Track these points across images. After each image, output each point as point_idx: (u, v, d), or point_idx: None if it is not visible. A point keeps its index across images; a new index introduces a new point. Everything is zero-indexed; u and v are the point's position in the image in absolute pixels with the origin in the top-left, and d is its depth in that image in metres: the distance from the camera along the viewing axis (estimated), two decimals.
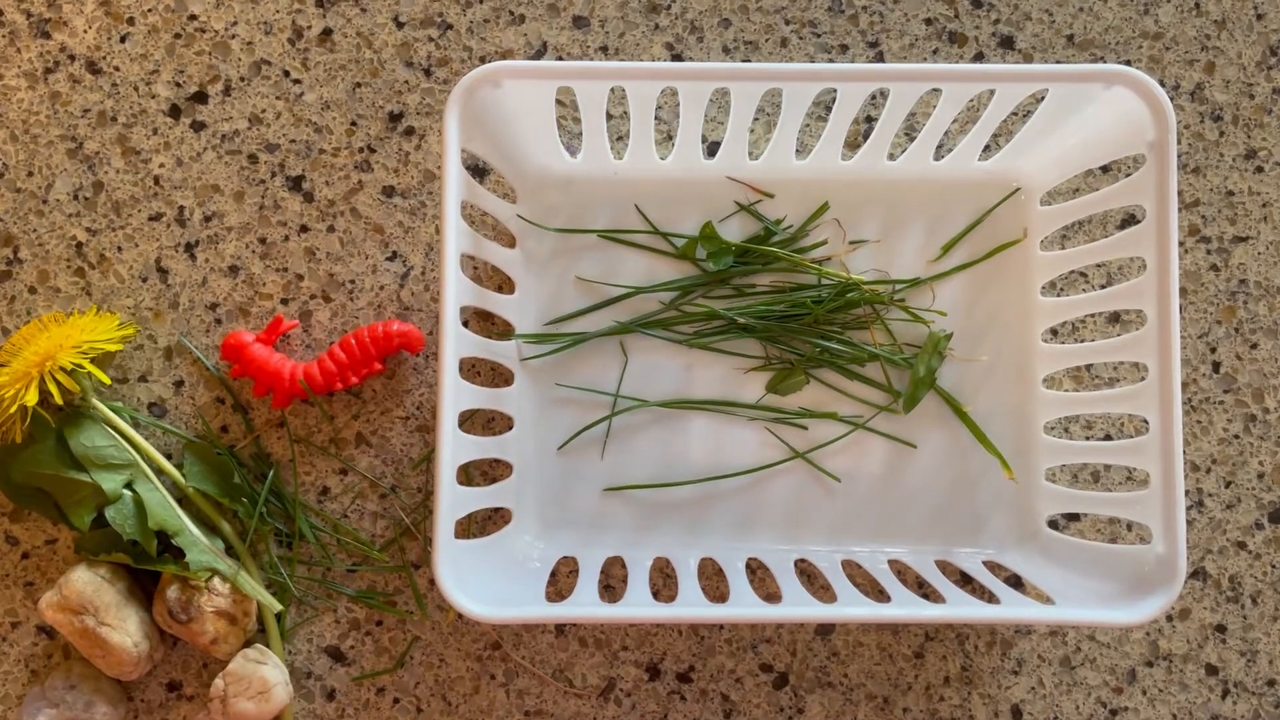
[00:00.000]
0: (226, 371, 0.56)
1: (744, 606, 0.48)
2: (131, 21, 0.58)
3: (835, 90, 0.47)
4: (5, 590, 0.56)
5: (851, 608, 0.47)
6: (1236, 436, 0.57)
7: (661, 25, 0.58)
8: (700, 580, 0.50)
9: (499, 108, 0.47)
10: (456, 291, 0.47)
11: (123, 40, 0.58)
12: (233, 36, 0.58)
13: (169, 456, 0.55)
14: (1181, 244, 0.57)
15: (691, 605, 0.47)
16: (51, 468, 0.53)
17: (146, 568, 0.53)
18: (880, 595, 0.51)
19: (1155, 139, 0.44)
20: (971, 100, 0.48)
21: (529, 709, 0.55)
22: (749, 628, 0.56)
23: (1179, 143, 0.57)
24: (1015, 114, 0.53)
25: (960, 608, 0.47)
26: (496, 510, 0.55)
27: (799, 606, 0.47)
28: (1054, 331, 0.56)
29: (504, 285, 0.56)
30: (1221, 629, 0.56)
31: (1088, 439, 0.56)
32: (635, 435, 0.55)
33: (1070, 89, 0.45)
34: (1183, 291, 0.57)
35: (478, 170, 0.56)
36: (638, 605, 0.47)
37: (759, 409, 0.55)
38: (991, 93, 0.48)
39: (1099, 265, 0.57)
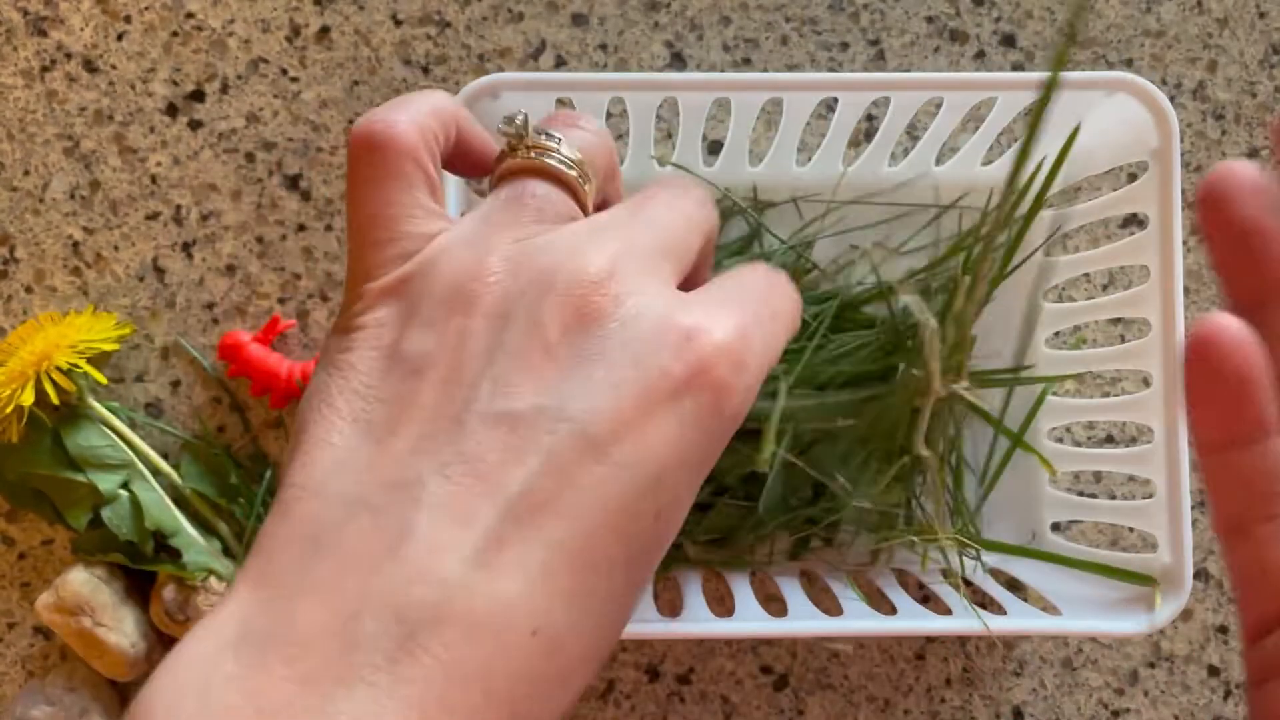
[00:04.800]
0: (223, 371, 0.56)
1: (746, 620, 0.47)
2: (128, 20, 0.57)
3: (836, 95, 0.47)
4: (2, 591, 0.56)
5: (856, 621, 0.47)
6: None
7: (661, 23, 0.57)
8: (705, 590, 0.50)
9: (498, 115, 0.47)
10: None
11: (119, 38, 0.57)
12: (230, 34, 0.57)
13: (166, 456, 0.55)
14: (1184, 243, 0.57)
15: (695, 620, 0.47)
16: (48, 468, 0.52)
17: (143, 568, 0.53)
18: (881, 598, 0.51)
19: (1158, 146, 0.44)
20: (975, 105, 0.48)
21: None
22: None
23: (1181, 142, 0.57)
24: (1019, 120, 0.53)
25: (966, 620, 0.47)
26: None
27: (803, 620, 0.47)
28: (1056, 334, 0.56)
29: None
30: (1224, 630, 0.56)
31: (1089, 438, 0.56)
32: None
33: (1073, 95, 0.45)
34: (1185, 291, 0.57)
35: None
36: (649, 622, 0.47)
37: None
38: (995, 99, 0.47)
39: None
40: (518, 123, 0.32)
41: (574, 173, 0.31)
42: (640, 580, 0.27)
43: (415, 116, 0.31)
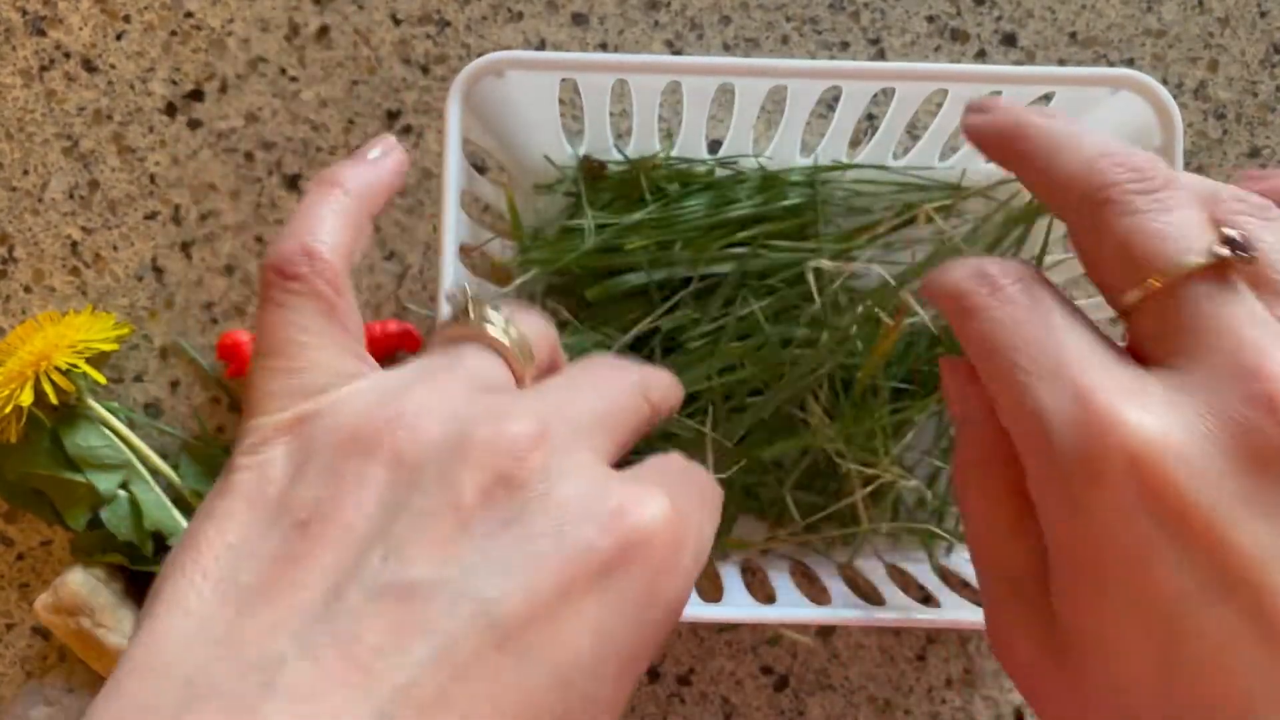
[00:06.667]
0: (223, 371, 0.56)
1: (739, 607, 0.47)
2: (128, 19, 0.57)
3: (839, 88, 0.47)
4: (0, 592, 0.56)
5: (849, 610, 0.46)
6: None
7: (661, 22, 0.57)
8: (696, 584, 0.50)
9: (500, 101, 0.47)
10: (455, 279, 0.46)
11: (119, 38, 0.57)
12: (229, 34, 0.57)
13: (165, 457, 0.55)
14: None
15: (688, 605, 0.47)
16: (46, 468, 0.52)
17: (142, 569, 0.53)
18: (874, 593, 0.51)
19: (1162, 144, 0.44)
20: None
21: None
22: (749, 630, 0.55)
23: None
24: None
25: (960, 611, 0.47)
26: None
27: (800, 608, 0.47)
28: None
29: (504, 282, 0.55)
30: None
31: None
32: None
33: (1077, 92, 0.45)
34: None
35: (475, 168, 0.56)
36: None
37: None
38: (997, 95, 0.47)
39: None
40: (465, 292, 0.30)
41: (514, 348, 0.29)
42: None
43: (331, 238, 0.29)
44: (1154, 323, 0.28)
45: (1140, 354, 0.28)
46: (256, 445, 0.26)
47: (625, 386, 0.30)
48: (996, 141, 0.33)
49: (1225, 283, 0.27)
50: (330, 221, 0.29)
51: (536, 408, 0.26)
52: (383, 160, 0.32)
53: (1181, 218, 0.28)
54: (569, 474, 0.25)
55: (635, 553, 0.24)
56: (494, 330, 0.29)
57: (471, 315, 0.29)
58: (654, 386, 0.31)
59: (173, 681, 0.21)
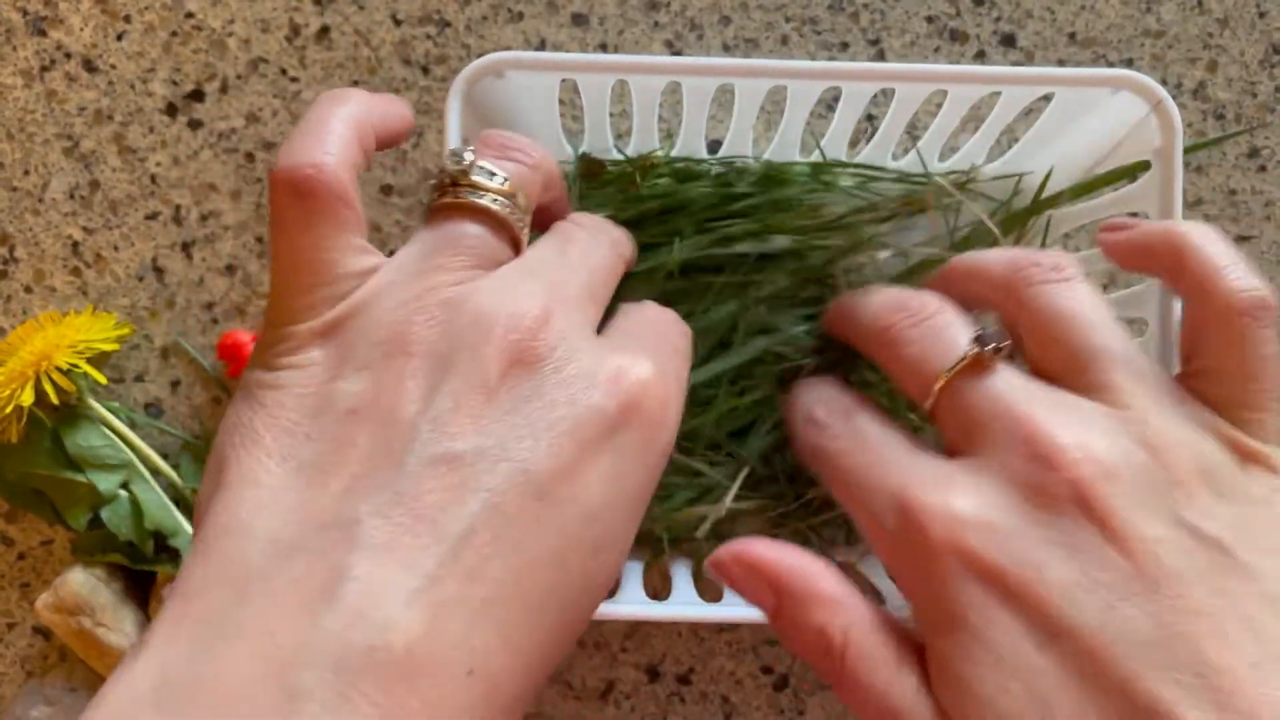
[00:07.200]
0: (223, 371, 0.56)
1: (739, 607, 0.47)
2: (128, 20, 0.57)
3: (839, 89, 0.47)
4: (1, 591, 0.56)
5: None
6: None
7: (661, 23, 0.57)
8: (697, 582, 0.50)
9: (500, 101, 0.47)
10: None
11: (119, 38, 0.57)
12: (230, 35, 0.57)
13: (165, 457, 0.55)
14: None
15: (688, 604, 0.47)
16: (47, 468, 0.52)
17: (143, 568, 0.53)
18: (879, 597, 0.51)
19: (1161, 145, 0.44)
20: (976, 104, 0.48)
21: (527, 711, 0.55)
22: (749, 630, 0.55)
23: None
24: (1019, 119, 0.53)
25: None
26: None
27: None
28: None
29: None
30: None
31: None
32: None
33: (1076, 93, 0.45)
34: None
35: None
36: (633, 603, 0.47)
37: None
38: (996, 97, 0.47)
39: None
40: (465, 159, 0.33)
41: (508, 211, 0.32)
42: (576, 621, 0.28)
43: (340, 149, 0.31)
44: (948, 421, 0.33)
45: (951, 450, 0.32)
46: (295, 348, 0.29)
47: (603, 252, 0.35)
48: (837, 331, 0.40)
49: (987, 372, 0.32)
50: (339, 132, 0.32)
51: (539, 289, 0.30)
52: (388, 97, 0.35)
53: (950, 335, 0.33)
54: (573, 347, 0.29)
55: (634, 411, 0.29)
56: (487, 200, 0.32)
57: (467, 184, 0.32)
58: (622, 241, 0.37)
59: (260, 541, 0.25)
